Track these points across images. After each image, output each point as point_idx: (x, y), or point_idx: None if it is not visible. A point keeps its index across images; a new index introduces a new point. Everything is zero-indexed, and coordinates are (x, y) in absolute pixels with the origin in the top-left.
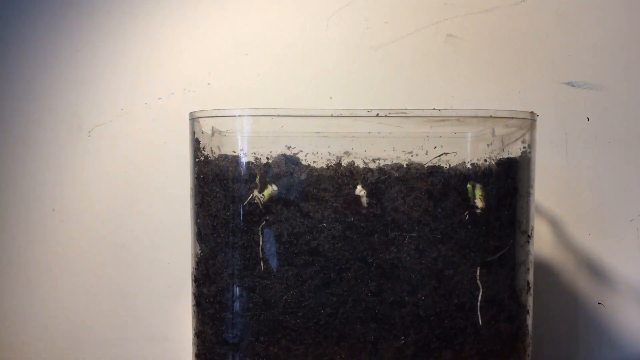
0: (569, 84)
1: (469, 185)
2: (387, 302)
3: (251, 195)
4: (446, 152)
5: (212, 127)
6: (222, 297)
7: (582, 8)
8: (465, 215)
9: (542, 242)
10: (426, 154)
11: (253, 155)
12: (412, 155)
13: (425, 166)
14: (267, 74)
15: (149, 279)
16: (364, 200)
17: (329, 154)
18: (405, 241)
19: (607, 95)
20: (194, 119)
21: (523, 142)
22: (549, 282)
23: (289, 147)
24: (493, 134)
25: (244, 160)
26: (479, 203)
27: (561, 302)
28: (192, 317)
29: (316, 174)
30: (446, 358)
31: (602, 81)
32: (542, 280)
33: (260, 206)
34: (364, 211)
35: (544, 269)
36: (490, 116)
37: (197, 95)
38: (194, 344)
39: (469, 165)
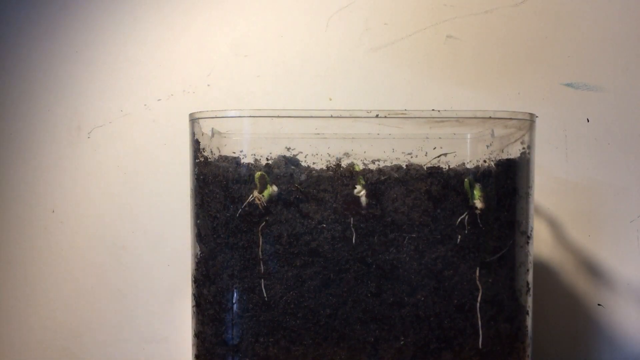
0: (569, 85)
1: (466, 181)
2: (386, 303)
3: (251, 196)
4: (445, 152)
5: (212, 129)
6: (221, 297)
7: (581, 9)
8: (465, 216)
9: (541, 242)
10: (425, 155)
11: (253, 156)
12: (411, 156)
13: (425, 167)
14: (267, 75)
15: (148, 280)
16: (364, 201)
17: (329, 155)
18: (405, 242)
19: (607, 96)
20: (193, 120)
21: (522, 143)
22: (549, 282)
23: (288, 148)
24: (492, 135)
25: (243, 161)
26: (479, 204)
27: (561, 302)
28: (192, 318)
29: (316, 174)
30: (446, 359)
31: (601, 82)
32: (542, 281)
33: (260, 207)
34: (363, 212)
35: (544, 270)
36: (490, 117)
37: (196, 96)
38: (193, 344)
39: (468, 166)
